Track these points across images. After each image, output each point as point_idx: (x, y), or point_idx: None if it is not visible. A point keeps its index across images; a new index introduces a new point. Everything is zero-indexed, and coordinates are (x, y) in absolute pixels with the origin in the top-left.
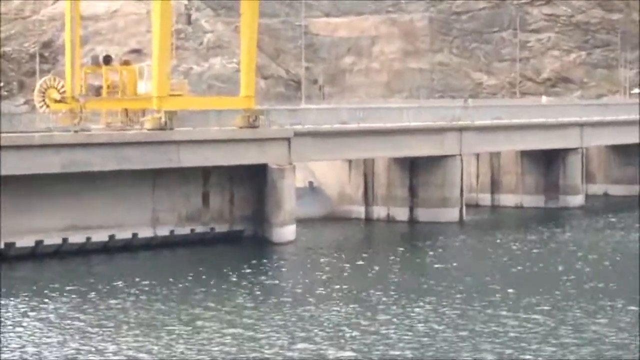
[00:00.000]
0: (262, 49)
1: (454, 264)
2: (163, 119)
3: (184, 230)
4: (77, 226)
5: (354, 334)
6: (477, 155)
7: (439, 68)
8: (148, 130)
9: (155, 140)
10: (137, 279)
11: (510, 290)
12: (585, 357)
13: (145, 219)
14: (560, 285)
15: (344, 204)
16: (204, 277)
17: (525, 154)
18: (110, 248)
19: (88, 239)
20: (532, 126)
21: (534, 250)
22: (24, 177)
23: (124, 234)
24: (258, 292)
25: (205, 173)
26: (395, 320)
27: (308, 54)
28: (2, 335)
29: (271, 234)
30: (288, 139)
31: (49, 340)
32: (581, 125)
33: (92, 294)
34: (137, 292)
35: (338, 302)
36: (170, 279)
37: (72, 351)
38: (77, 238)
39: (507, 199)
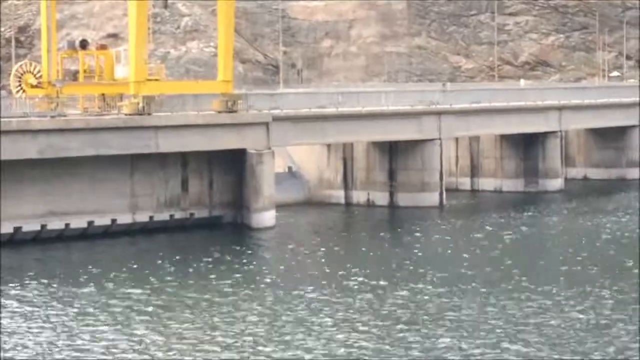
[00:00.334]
0: (240, 33)
1: (434, 248)
2: (141, 104)
3: (163, 216)
4: (55, 212)
5: (326, 319)
6: (456, 140)
7: (417, 52)
8: (126, 115)
9: (133, 126)
10: (115, 265)
11: (487, 274)
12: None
13: (124, 204)
14: (538, 269)
15: (324, 188)
16: (183, 263)
17: (504, 138)
18: (89, 234)
19: (67, 225)
20: (511, 110)
21: (513, 235)
22: (0, 163)
23: (102, 220)
24: (237, 278)
25: (184, 158)
26: (371, 305)
27: (286, 38)
28: None
29: (250, 219)
30: (266, 124)
31: (25, 327)
32: (560, 108)
33: (71, 281)
34: (115, 278)
35: (316, 287)
36: (149, 265)
37: (48, 338)
38: (55, 224)
39: (487, 183)
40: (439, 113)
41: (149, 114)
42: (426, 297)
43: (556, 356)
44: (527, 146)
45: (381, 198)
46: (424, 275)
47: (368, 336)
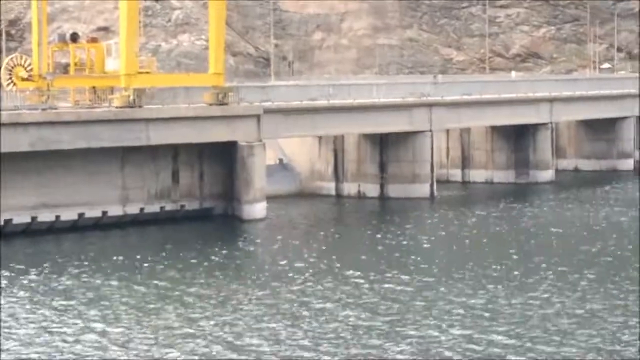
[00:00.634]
0: (231, 25)
1: (424, 240)
2: (131, 97)
3: (153, 208)
4: (46, 204)
5: (316, 311)
6: (447, 131)
7: (408, 44)
8: (116, 107)
9: (124, 118)
10: (105, 257)
11: (477, 265)
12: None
13: (114, 196)
14: (528, 260)
15: (315, 180)
16: (173, 255)
17: (495, 130)
18: (80, 226)
19: (57, 217)
20: (502, 102)
21: (504, 226)
22: None
23: (93, 212)
24: (227, 269)
25: (175, 150)
26: (360, 296)
27: (277, 31)
28: None
29: (241, 211)
30: (257, 116)
31: (15, 319)
32: (551, 100)
33: (61, 273)
34: (105, 270)
35: (307, 279)
36: (140, 257)
37: (38, 330)
38: (46, 216)
39: (478, 175)
40: (430, 105)
41: (140, 106)
42: (416, 288)
43: (542, 347)
44: (518, 138)
45: (372, 190)
46: (414, 266)
47: (356, 327)
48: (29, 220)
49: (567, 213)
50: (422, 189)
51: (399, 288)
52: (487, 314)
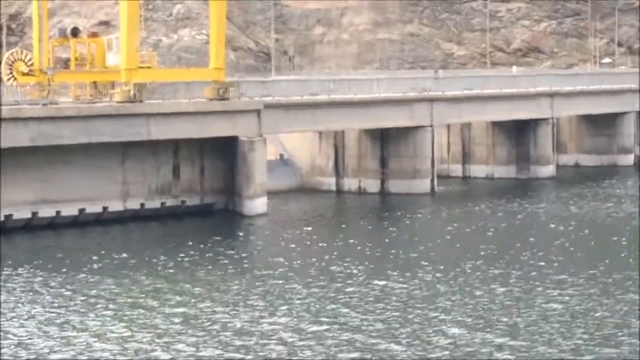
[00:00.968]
0: (232, 20)
1: (425, 235)
2: (132, 92)
3: (154, 203)
4: (46, 200)
5: (316, 306)
6: (448, 126)
7: (409, 39)
8: (117, 102)
9: (124, 113)
10: (106, 253)
11: (478, 262)
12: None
13: (115, 192)
14: (528, 255)
15: (315, 175)
16: (174, 250)
17: (496, 125)
18: (80, 222)
19: (58, 212)
20: (502, 97)
21: (504, 221)
22: None
23: (94, 208)
24: (228, 265)
25: (176, 146)
26: (360, 292)
27: (278, 26)
28: None
29: (242, 206)
30: (258, 111)
31: (15, 315)
32: (552, 95)
33: (61, 269)
34: (106, 266)
35: (307, 274)
36: (140, 253)
37: (38, 326)
38: (46, 212)
39: (479, 170)
40: (431, 100)
41: (141, 101)
42: (416, 283)
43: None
44: (518, 133)
45: (372, 185)
46: (415, 262)
47: (356, 324)
48: (29, 215)
49: (568, 208)
50: (423, 185)
51: (398, 283)
52: (486, 311)
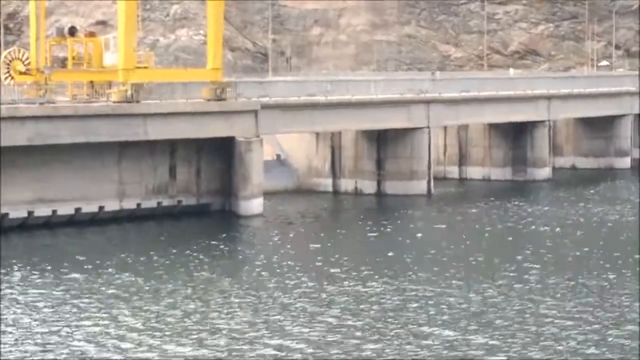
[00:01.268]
0: (229, 20)
1: (421, 237)
2: (129, 92)
3: (150, 203)
4: (42, 199)
5: (312, 307)
6: (445, 128)
7: (406, 40)
8: (114, 102)
9: (121, 113)
10: (101, 252)
11: (474, 262)
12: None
13: (111, 191)
14: (524, 257)
15: (312, 176)
16: (170, 250)
17: (492, 127)
18: (77, 221)
19: (54, 212)
20: (499, 99)
21: (500, 223)
22: None
23: (90, 207)
24: (224, 265)
25: (172, 146)
26: (355, 293)
27: (275, 26)
28: None
29: (238, 207)
30: (255, 112)
31: (7, 315)
32: (549, 97)
33: (57, 268)
34: (100, 266)
35: (302, 275)
36: (136, 252)
37: (32, 326)
38: (42, 211)
39: (475, 172)
40: (428, 102)
41: (138, 101)
42: (411, 285)
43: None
44: (515, 135)
45: (369, 186)
46: (410, 263)
47: (350, 325)
48: (25, 214)
49: (564, 211)
50: (419, 186)
51: (392, 285)
52: (479, 312)
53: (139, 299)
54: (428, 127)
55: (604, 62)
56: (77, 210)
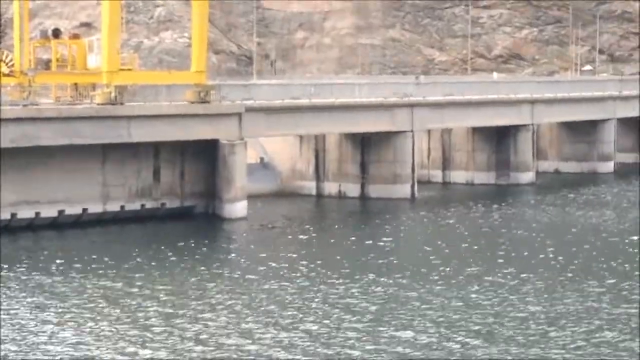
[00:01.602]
0: (214, 23)
1: (404, 240)
2: (113, 94)
3: (134, 205)
4: (26, 201)
5: (292, 311)
6: (429, 132)
7: (391, 44)
8: (98, 104)
9: (105, 115)
10: (83, 255)
11: (456, 266)
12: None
13: (95, 194)
14: (506, 261)
15: (296, 179)
16: (153, 253)
17: (476, 131)
18: (60, 223)
19: (37, 214)
20: (483, 103)
21: (483, 227)
22: None
23: (73, 209)
24: (206, 268)
25: (156, 148)
26: (335, 297)
27: (260, 29)
28: None
29: (222, 209)
30: (239, 115)
31: None
32: (532, 102)
33: (38, 270)
34: (83, 268)
35: (283, 279)
36: (119, 256)
37: (12, 329)
38: (25, 213)
39: (459, 176)
40: (411, 105)
41: (122, 103)
42: (391, 288)
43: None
44: (499, 139)
45: (353, 190)
46: (391, 267)
47: (329, 327)
48: (8, 217)
49: (546, 215)
50: (403, 190)
51: (374, 288)
52: (460, 315)
53: (119, 303)
54: (412, 131)
55: (588, 67)
56: (61, 212)
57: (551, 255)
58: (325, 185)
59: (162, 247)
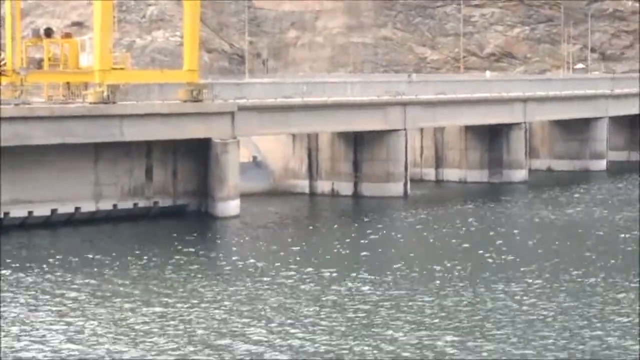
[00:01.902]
0: (206, 22)
1: (396, 238)
2: (105, 93)
3: (127, 204)
4: (18, 200)
5: (279, 310)
6: (421, 130)
7: (383, 43)
8: (90, 103)
9: (97, 114)
10: (77, 254)
11: (448, 264)
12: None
13: (87, 193)
14: (499, 259)
15: (288, 178)
16: (146, 251)
17: (469, 129)
18: (53, 222)
19: (30, 213)
20: (475, 101)
21: (476, 225)
22: None
23: (66, 208)
24: (199, 266)
25: (149, 147)
26: (327, 295)
27: (252, 28)
28: None
29: (215, 208)
30: (232, 113)
31: None
32: (524, 100)
33: (30, 269)
34: (75, 267)
35: (275, 277)
36: (112, 254)
37: (3, 328)
38: (18, 212)
39: (451, 174)
40: (404, 104)
41: (114, 102)
42: (383, 287)
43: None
44: (491, 137)
45: (346, 188)
46: (383, 265)
47: (320, 326)
48: (1, 216)
49: (539, 213)
50: (396, 188)
51: (365, 287)
52: (452, 313)
53: (107, 301)
54: (404, 129)
55: (580, 65)
56: (53, 211)
57: (542, 252)
58: (318, 183)
59: (155, 246)
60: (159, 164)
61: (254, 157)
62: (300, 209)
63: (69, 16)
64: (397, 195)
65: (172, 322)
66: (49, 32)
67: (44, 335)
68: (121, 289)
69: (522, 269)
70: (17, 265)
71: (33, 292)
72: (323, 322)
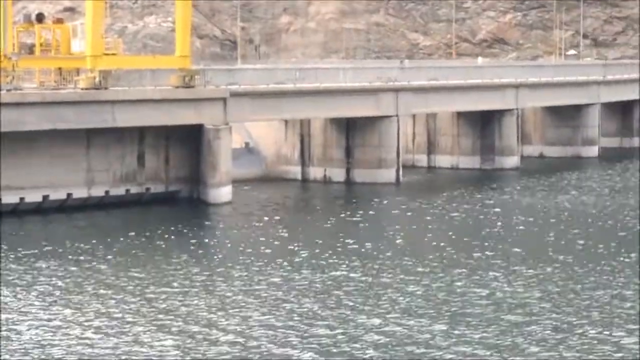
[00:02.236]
0: (198, 8)
1: (388, 225)
2: (97, 78)
3: (119, 190)
4: (10, 186)
5: (269, 297)
6: (414, 116)
7: (375, 29)
8: (82, 89)
9: (89, 100)
10: (68, 240)
11: (440, 251)
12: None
13: (79, 179)
14: (489, 247)
15: (281, 164)
16: (138, 238)
17: (461, 115)
18: (44, 209)
19: (21, 199)
20: (468, 87)
21: (468, 211)
22: None
23: (58, 195)
24: (190, 253)
25: (141, 133)
26: (317, 282)
27: (244, 14)
28: None
29: (207, 194)
30: (224, 99)
31: None
32: (517, 86)
33: (23, 256)
34: (67, 253)
35: (267, 263)
36: (104, 240)
37: None
38: (10, 198)
39: (443, 160)
40: (396, 90)
41: (106, 88)
42: (376, 272)
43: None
44: (483, 124)
45: (338, 174)
46: (375, 250)
47: (310, 315)
48: None
49: (531, 199)
50: (388, 174)
51: (356, 273)
52: (443, 301)
53: (99, 287)
54: (397, 116)
55: (572, 51)
56: (45, 197)
57: (533, 239)
58: (310, 170)
59: (147, 232)
60: (151, 150)
61: (246, 144)
62: (292, 196)
63: (60, 1)
64: (389, 182)
65: (162, 308)
66: (40, 18)
67: (34, 321)
68: (113, 275)
69: (513, 256)
70: (9, 251)
71: (24, 279)
72: (313, 308)
